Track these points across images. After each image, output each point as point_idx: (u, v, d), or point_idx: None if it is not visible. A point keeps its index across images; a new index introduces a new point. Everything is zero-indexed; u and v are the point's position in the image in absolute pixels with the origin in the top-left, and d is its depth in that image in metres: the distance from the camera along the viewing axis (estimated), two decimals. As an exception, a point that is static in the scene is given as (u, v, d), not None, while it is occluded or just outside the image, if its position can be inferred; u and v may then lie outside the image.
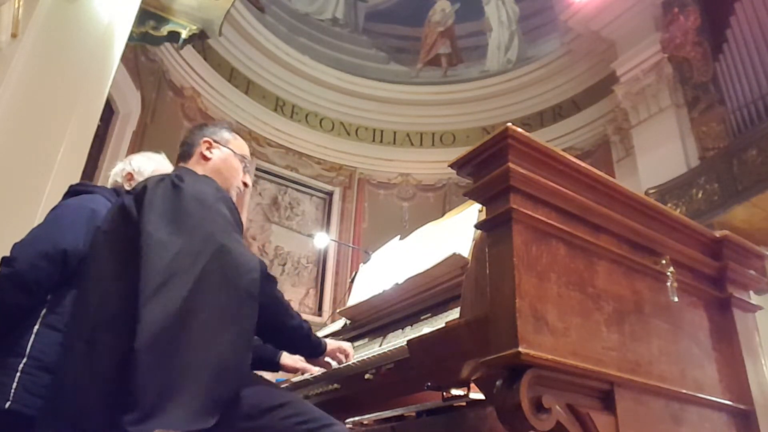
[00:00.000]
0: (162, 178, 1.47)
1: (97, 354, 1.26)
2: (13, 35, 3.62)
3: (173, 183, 1.44)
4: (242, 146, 1.76)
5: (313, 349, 1.62)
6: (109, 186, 1.94)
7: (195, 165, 1.64)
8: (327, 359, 1.68)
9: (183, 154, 1.69)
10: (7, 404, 1.44)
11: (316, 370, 1.85)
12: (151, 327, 1.20)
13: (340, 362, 1.70)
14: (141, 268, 1.27)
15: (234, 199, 1.63)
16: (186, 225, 1.35)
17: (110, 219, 1.47)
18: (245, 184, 1.73)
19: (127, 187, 1.91)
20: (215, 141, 1.69)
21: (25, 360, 1.48)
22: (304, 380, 1.91)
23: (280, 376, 2.15)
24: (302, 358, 1.80)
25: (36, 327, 1.52)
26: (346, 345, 1.72)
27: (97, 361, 1.25)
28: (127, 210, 1.42)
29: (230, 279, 1.31)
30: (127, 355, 1.18)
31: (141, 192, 1.43)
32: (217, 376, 1.23)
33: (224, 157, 1.68)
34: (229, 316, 1.29)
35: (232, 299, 1.30)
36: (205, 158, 1.66)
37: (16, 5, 3.52)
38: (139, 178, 1.91)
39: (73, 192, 1.80)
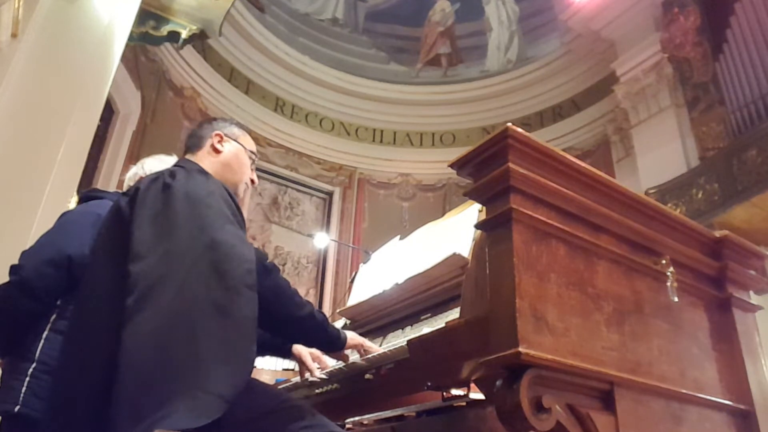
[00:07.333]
0: (156, 177, 1.44)
1: (95, 358, 1.24)
2: (13, 35, 3.63)
3: (164, 183, 1.41)
4: (251, 143, 1.74)
5: (330, 343, 1.54)
6: (123, 190, 1.95)
7: (204, 157, 1.62)
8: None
9: (191, 145, 1.67)
10: (17, 408, 1.48)
11: (331, 364, 1.77)
12: (136, 340, 1.19)
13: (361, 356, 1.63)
14: (128, 274, 1.25)
15: (241, 195, 1.63)
16: (174, 225, 1.33)
17: (106, 221, 1.47)
18: (252, 181, 1.71)
19: None
20: (226, 135, 1.68)
21: (34, 365, 1.52)
22: (304, 380, 1.91)
23: (280, 375, 2.13)
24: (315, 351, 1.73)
25: (45, 333, 1.56)
26: (368, 343, 1.64)
27: (94, 366, 1.24)
28: (121, 212, 1.41)
29: (222, 272, 1.27)
30: (118, 367, 1.17)
31: (134, 193, 1.41)
32: (208, 374, 1.19)
33: (235, 151, 1.67)
34: (222, 311, 1.24)
35: (223, 293, 1.26)
36: (216, 151, 1.64)
37: (16, 5, 3.52)
38: None
39: (84, 198, 1.85)
